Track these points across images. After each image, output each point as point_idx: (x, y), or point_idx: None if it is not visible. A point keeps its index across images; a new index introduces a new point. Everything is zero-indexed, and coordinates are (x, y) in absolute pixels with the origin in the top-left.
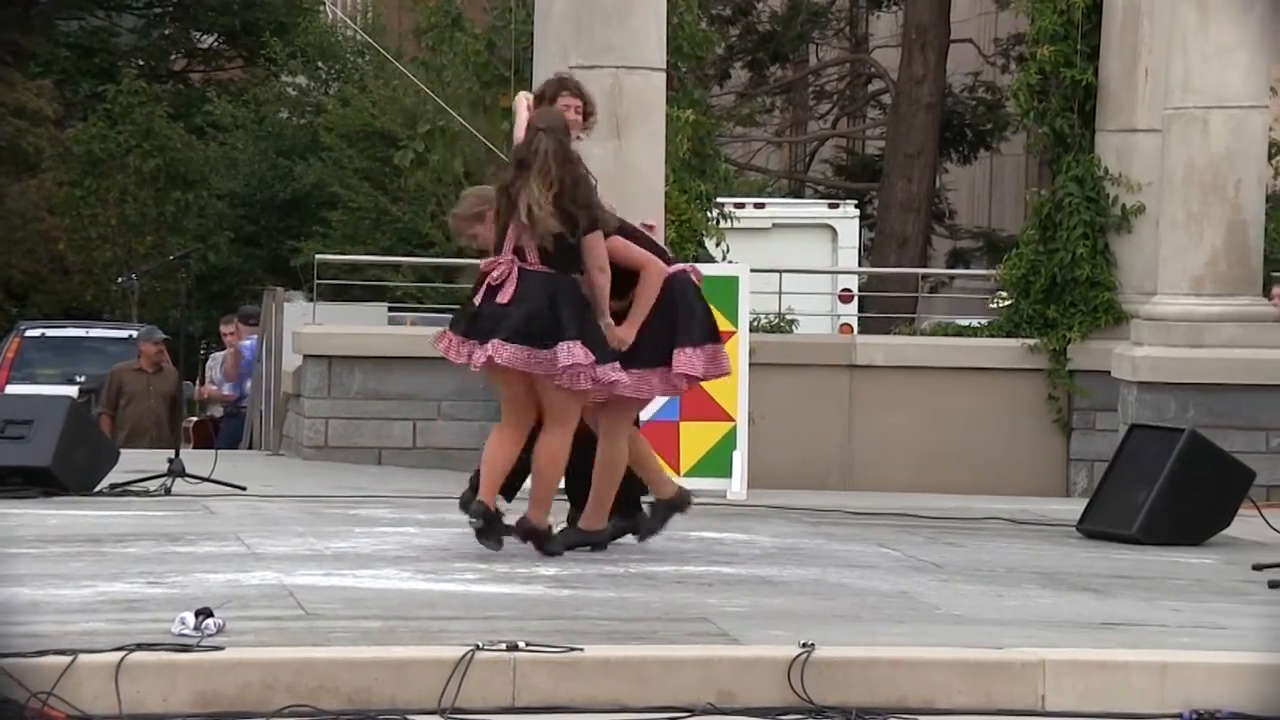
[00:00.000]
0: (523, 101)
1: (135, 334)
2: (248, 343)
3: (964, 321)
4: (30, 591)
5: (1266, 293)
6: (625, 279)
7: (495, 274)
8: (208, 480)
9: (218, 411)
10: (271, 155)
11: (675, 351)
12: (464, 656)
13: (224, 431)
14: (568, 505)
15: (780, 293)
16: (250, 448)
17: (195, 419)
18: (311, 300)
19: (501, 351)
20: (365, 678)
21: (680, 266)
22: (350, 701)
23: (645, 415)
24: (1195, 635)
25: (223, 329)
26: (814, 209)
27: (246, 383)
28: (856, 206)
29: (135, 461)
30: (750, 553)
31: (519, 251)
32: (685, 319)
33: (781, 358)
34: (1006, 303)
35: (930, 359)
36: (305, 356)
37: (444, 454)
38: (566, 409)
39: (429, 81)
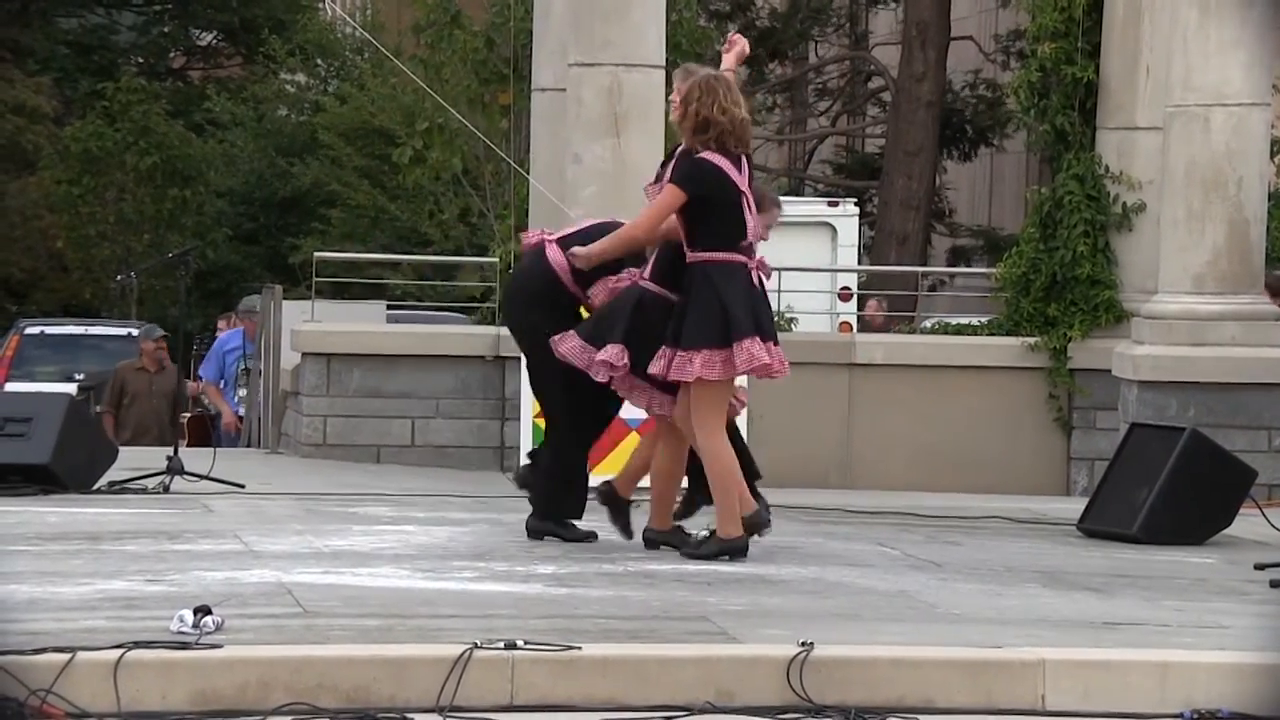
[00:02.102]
0: None
1: (135, 332)
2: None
3: (958, 320)
4: (29, 589)
5: None
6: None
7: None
8: (206, 478)
9: (213, 408)
10: (270, 153)
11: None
12: (462, 655)
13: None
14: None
15: (779, 291)
16: (248, 445)
17: (189, 415)
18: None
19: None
20: (363, 676)
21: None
22: (349, 700)
23: (641, 414)
24: (1196, 635)
25: (220, 326)
26: (813, 207)
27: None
28: (856, 204)
29: (134, 459)
30: (749, 551)
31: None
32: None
33: None
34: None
35: (930, 357)
36: (304, 354)
37: (442, 452)
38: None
39: (428, 79)
